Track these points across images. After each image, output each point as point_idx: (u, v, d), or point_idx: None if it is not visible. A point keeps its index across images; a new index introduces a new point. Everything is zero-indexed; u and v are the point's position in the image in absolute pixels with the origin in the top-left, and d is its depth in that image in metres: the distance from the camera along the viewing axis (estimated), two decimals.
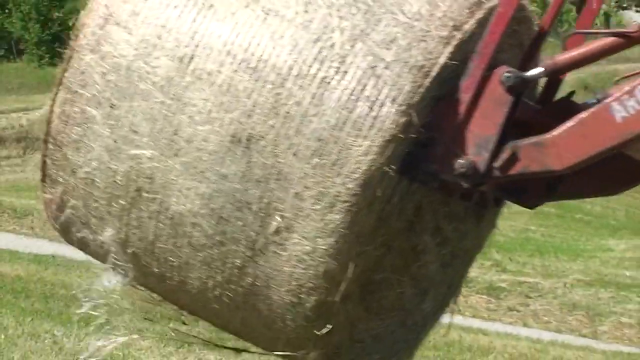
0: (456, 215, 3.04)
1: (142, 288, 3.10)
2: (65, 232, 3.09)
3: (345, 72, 2.66)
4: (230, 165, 2.71)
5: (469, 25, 2.72)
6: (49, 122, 2.93)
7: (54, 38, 47.22)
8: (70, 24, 48.99)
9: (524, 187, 2.88)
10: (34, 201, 20.01)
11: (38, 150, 3.09)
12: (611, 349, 11.76)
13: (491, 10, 2.76)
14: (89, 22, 2.87)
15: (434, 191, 2.89)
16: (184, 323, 3.46)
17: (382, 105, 2.63)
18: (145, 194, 2.82)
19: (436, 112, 2.72)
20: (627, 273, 15.19)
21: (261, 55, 2.70)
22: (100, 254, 3.02)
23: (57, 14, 48.11)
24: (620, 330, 12.61)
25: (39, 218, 17.86)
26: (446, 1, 2.74)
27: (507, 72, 2.72)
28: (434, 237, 3.01)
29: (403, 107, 2.62)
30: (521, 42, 2.93)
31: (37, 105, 36.77)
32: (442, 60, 2.66)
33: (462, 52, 2.71)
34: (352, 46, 2.67)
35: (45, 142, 2.94)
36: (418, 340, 3.18)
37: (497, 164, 2.73)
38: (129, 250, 2.91)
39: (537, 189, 2.90)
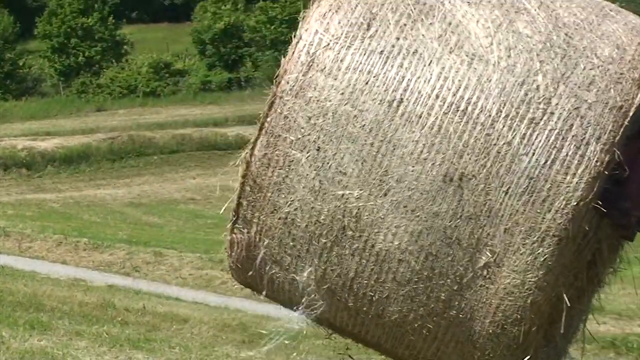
0: (614, 248, 3.14)
1: (320, 324, 3.15)
2: (244, 271, 3.13)
3: (552, 113, 2.78)
4: (442, 204, 2.80)
5: None
6: (248, 165, 2.97)
7: (6, 76, 49.45)
8: (21, 63, 51.15)
9: None
10: None
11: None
12: None
13: None
14: (291, 69, 2.92)
15: (613, 226, 2.99)
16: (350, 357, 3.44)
17: (587, 144, 2.75)
18: (350, 232, 2.89)
19: (629, 150, 2.83)
20: None
21: (470, 98, 2.81)
22: (288, 292, 3.07)
23: (9, 54, 50.17)
24: None
25: None
26: (632, 45, 2.88)
27: None
28: (605, 269, 3.11)
29: (607, 146, 2.75)
30: None
31: None
32: (637, 101, 2.79)
33: None
34: (555, 88, 2.80)
35: (243, 184, 2.99)
36: None
37: None
38: (325, 287, 2.97)
39: None
